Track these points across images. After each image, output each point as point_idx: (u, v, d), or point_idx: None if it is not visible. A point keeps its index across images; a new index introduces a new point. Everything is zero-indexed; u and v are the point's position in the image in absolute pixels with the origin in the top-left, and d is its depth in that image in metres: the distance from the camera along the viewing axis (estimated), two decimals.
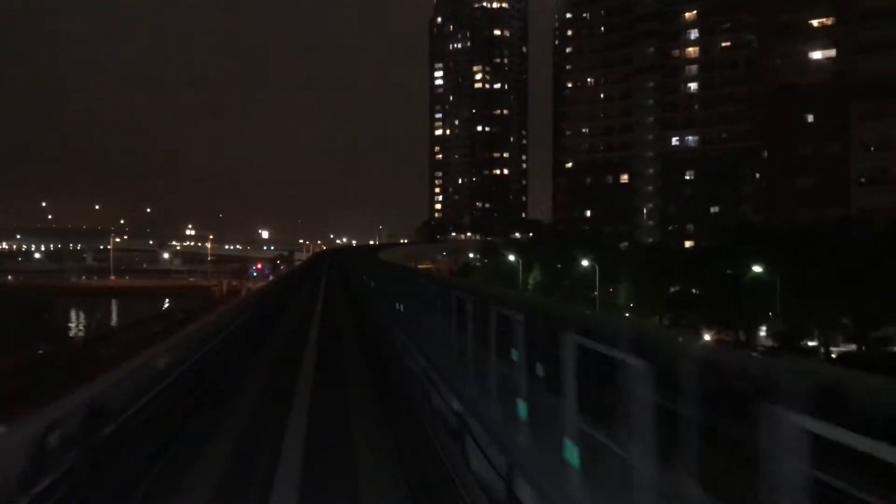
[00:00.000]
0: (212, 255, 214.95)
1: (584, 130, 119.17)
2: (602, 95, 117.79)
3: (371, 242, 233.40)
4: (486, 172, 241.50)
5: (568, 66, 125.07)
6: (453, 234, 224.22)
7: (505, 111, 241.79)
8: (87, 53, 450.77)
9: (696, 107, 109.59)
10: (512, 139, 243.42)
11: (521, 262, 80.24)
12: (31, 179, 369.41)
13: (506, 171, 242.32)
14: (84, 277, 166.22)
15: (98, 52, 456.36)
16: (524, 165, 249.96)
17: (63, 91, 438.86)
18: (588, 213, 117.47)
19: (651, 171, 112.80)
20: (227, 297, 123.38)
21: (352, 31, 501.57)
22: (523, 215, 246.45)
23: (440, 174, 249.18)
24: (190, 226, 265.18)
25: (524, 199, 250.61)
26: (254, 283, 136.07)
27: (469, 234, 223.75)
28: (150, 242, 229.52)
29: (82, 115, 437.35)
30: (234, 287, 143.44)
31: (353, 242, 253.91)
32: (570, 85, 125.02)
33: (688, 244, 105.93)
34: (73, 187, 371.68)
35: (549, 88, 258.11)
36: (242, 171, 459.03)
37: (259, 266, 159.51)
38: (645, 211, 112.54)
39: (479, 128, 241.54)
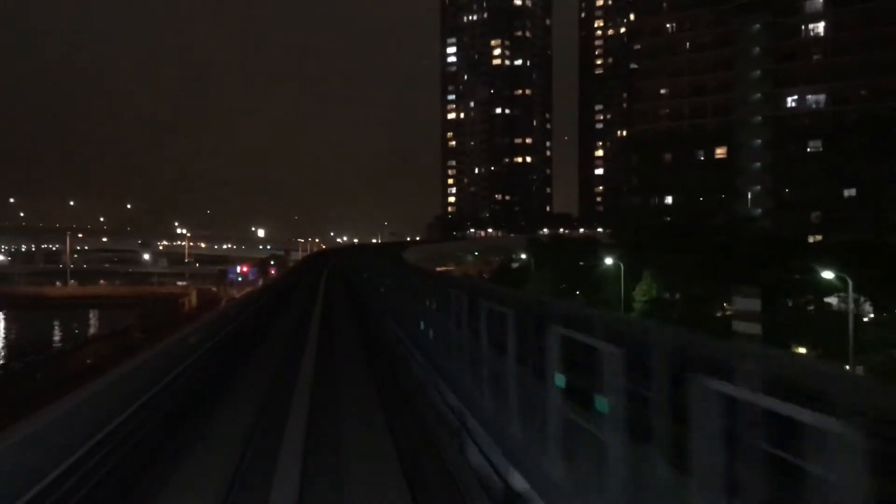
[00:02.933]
0: (202, 255, 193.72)
1: (662, 91, 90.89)
2: (688, 44, 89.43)
3: (374, 241, 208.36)
4: (506, 160, 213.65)
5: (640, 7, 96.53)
6: (472, 230, 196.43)
7: (527, 91, 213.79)
8: (65, 34, 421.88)
9: (823, 55, 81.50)
10: (535, 123, 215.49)
11: (622, 266, 52.12)
12: None
13: (528, 159, 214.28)
14: (58, 283, 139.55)
15: (77, 33, 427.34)
16: (548, 153, 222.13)
17: (36, 75, 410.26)
18: (669, 200, 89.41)
19: (759, 141, 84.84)
20: (195, 311, 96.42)
21: (352, 5, 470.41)
22: (548, 209, 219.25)
23: (454, 163, 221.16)
24: (177, 223, 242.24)
25: (548, 190, 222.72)
26: (239, 289, 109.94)
27: (490, 229, 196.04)
28: (140, 242, 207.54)
29: (56, 102, 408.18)
30: (212, 294, 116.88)
31: (356, 241, 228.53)
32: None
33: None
34: (46, 183, 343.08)
35: (576, 64, 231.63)
36: (237, 165, 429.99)
37: (244, 269, 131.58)
38: (750, 195, 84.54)
39: (498, 110, 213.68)
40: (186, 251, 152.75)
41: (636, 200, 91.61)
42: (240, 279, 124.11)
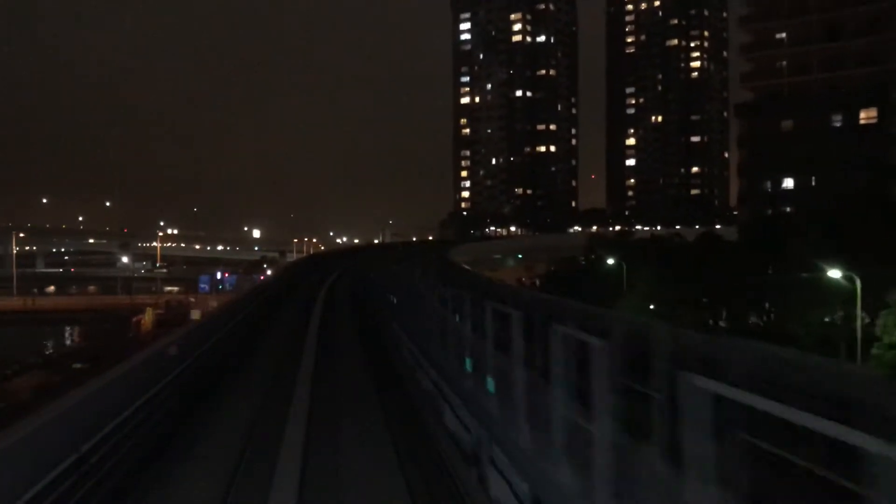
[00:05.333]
0: (194, 257, 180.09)
1: (779, 37, 67.21)
2: None
3: (376, 241, 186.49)
4: (528, 150, 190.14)
5: None
6: (492, 227, 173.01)
7: (550, 72, 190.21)
8: (48, 28, 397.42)
9: None
10: (559, 108, 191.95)
11: (858, 281, 28.50)
12: None
13: (552, 149, 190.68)
14: (35, 290, 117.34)
15: (62, 19, 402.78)
16: (574, 141, 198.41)
17: (13, 66, 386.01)
18: (789, 183, 65.82)
19: None
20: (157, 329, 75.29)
21: None
22: (573, 204, 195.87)
23: (468, 153, 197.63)
24: (162, 223, 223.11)
25: (574, 183, 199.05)
26: (219, 297, 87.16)
27: (512, 227, 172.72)
28: (119, 244, 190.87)
29: (31, 92, 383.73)
30: (187, 306, 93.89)
31: (356, 241, 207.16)
32: None
33: None
34: (19, 179, 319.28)
35: (604, 42, 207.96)
36: (231, 161, 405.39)
37: (227, 274, 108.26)
38: None
39: (518, 93, 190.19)
40: (159, 253, 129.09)
41: (743, 183, 67.67)
42: (220, 287, 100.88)
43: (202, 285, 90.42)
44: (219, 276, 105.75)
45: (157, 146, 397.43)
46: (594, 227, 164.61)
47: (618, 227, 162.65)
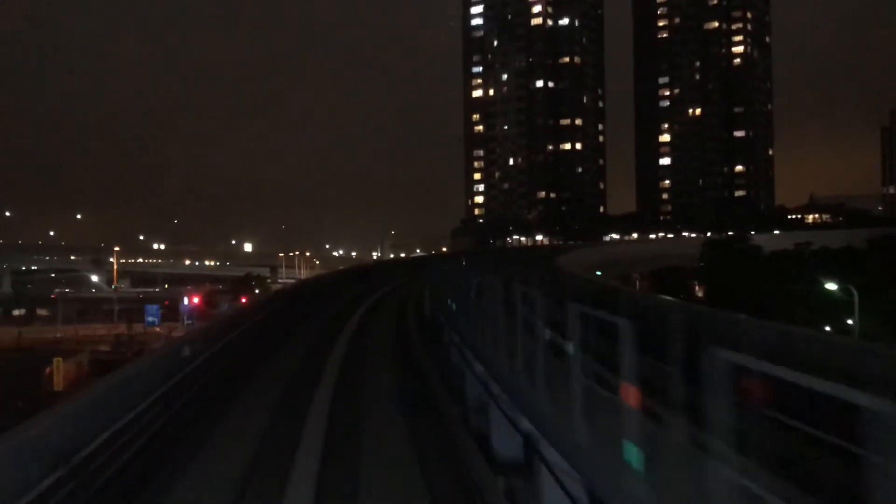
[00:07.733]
0: (184, 275, 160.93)
1: None
2: None
3: (375, 255, 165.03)
4: (550, 148, 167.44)
5: None
6: (515, 236, 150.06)
7: (575, 59, 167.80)
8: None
9: None
10: (585, 100, 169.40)
11: None
12: None
13: (577, 146, 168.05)
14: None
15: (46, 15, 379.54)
16: (601, 138, 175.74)
17: None
18: None
19: None
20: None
21: None
22: (601, 209, 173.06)
23: (481, 153, 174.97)
24: (141, 237, 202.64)
25: (601, 185, 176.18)
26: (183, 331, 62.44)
27: (539, 236, 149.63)
28: (92, 260, 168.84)
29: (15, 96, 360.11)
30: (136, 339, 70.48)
31: (354, 254, 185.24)
32: None
33: None
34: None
35: (633, 26, 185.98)
36: (224, 172, 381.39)
37: (195, 300, 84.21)
38: None
39: (539, 83, 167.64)
40: (115, 271, 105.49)
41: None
42: (187, 322, 76.84)
43: (149, 318, 66.42)
44: (185, 301, 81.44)
45: (149, 155, 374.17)
46: (634, 234, 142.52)
47: (661, 234, 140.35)
